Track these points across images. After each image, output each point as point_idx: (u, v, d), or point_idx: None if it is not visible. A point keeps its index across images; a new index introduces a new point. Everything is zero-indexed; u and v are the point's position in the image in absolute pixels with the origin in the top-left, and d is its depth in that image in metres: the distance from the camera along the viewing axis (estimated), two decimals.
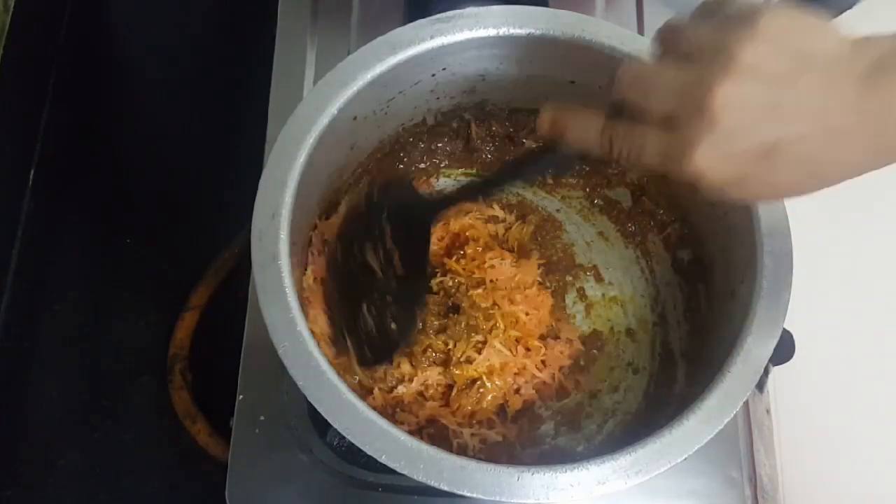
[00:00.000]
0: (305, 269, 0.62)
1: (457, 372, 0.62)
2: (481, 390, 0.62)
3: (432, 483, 0.49)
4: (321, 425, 0.64)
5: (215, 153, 0.89)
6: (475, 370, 0.62)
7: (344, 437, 0.50)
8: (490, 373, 0.62)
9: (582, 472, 0.50)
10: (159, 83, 0.95)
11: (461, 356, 0.62)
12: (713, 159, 0.38)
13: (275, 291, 0.52)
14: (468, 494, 0.49)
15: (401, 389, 0.61)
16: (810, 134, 0.38)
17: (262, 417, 0.64)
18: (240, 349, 0.66)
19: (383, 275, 0.59)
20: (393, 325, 0.59)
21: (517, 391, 0.63)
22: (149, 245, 0.86)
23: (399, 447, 0.49)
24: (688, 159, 0.39)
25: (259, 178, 0.55)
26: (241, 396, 0.65)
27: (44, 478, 0.78)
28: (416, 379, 0.62)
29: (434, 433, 0.61)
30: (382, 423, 0.50)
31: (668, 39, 0.42)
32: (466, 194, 0.62)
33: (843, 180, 0.40)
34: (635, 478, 0.50)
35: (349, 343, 0.59)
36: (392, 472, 0.49)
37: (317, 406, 0.50)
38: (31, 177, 0.87)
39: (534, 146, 0.61)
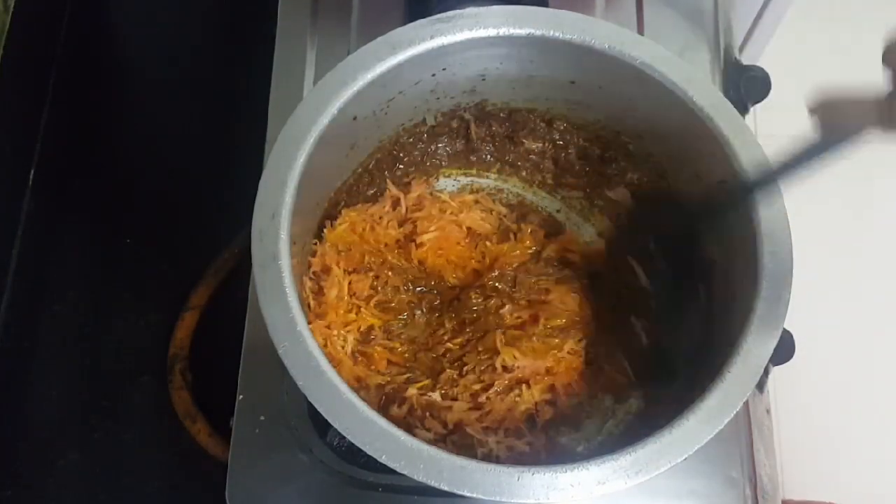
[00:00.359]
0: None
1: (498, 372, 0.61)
2: (517, 398, 0.61)
3: (432, 483, 0.49)
4: (321, 425, 0.64)
5: (215, 153, 0.89)
6: (519, 374, 0.61)
7: (344, 437, 0.50)
8: (528, 379, 0.62)
9: (582, 472, 0.50)
10: (159, 83, 0.95)
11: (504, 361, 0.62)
12: None
13: (275, 291, 0.52)
14: (468, 494, 0.49)
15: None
16: None
17: (262, 417, 0.64)
18: (240, 349, 0.66)
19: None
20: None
21: (548, 401, 0.62)
22: (149, 245, 0.86)
23: (399, 447, 0.49)
24: None
25: (259, 178, 0.55)
26: (241, 396, 0.65)
27: (44, 478, 0.78)
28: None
29: (458, 441, 0.60)
30: (382, 422, 0.50)
31: None
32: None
33: None
34: (635, 478, 0.50)
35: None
36: (392, 472, 0.49)
37: (317, 406, 0.50)
38: (31, 177, 0.87)
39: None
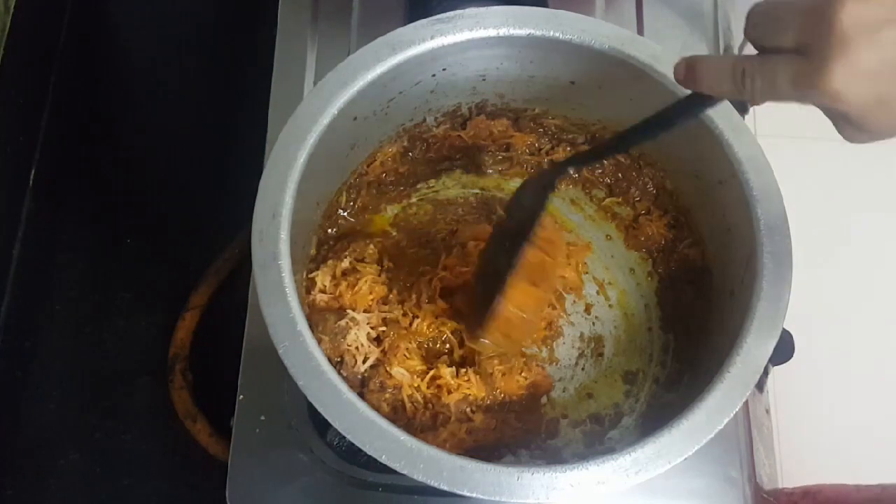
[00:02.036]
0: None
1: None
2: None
3: (432, 483, 0.49)
4: (321, 425, 0.64)
5: (215, 153, 0.89)
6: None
7: (344, 437, 0.50)
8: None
9: (582, 472, 0.50)
10: (159, 84, 0.95)
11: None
12: (848, 78, 0.39)
13: (275, 291, 0.52)
14: (468, 494, 0.49)
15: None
16: None
17: (262, 417, 0.64)
18: (240, 349, 0.66)
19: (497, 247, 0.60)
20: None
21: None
22: (149, 245, 0.86)
23: (399, 447, 0.49)
24: (824, 81, 0.39)
25: (259, 178, 0.55)
26: (241, 396, 0.65)
27: (44, 478, 0.77)
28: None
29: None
30: (382, 422, 0.50)
31: None
32: (594, 156, 0.61)
33: None
34: (635, 478, 0.50)
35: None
36: (392, 472, 0.49)
37: (317, 406, 0.50)
38: (31, 177, 0.87)
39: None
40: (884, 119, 0.41)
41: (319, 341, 0.56)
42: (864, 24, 0.38)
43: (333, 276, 0.64)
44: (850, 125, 0.41)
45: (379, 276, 0.65)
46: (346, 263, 0.64)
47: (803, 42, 0.40)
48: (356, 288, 0.63)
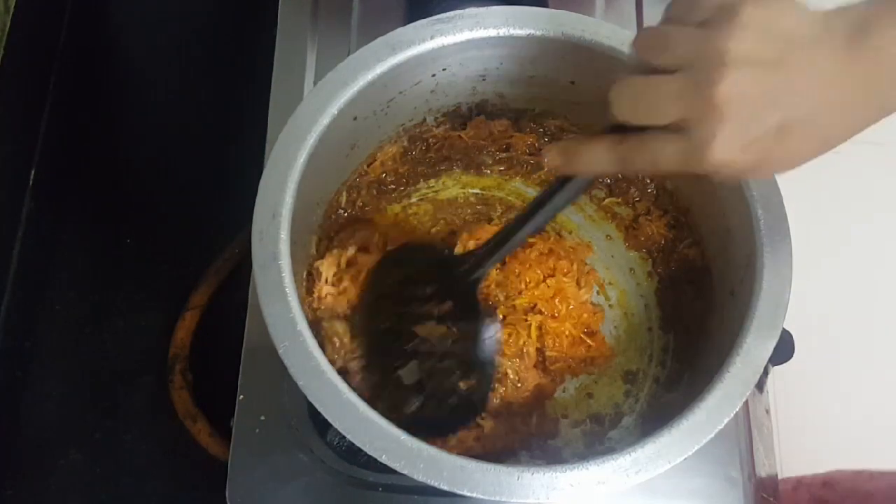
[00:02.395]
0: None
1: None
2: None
3: (432, 483, 0.49)
4: (321, 425, 0.64)
5: (215, 153, 0.89)
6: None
7: (344, 437, 0.50)
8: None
9: (582, 472, 0.50)
10: (159, 83, 0.95)
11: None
12: (731, 150, 0.40)
13: (275, 291, 0.52)
14: (468, 494, 0.49)
15: None
16: (811, 108, 0.40)
17: (262, 417, 0.64)
18: (240, 349, 0.66)
19: (436, 335, 0.59)
20: (462, 386, 0.59)
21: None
22: (149, 245, 0.86)
23: (399, 447, 0.49)
24: (708, 155, 0.41)
25: (259, 178, 0.55)
26: (241, 396, 0.65)
27: (44, 478, 0.77)
28: None
29: None
30: (382, 422, 0.50)
31: (651, 47, 0.43)
32: (495, 250, 0.58)
33: (851, 137, 0.43)
34: (635, 478, 0.50)
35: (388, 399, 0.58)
36: (392, 472, 0.49)
37: (317, 406, 0.50)
38: (31, 177, 0.87)
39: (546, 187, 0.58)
40: (761, 174, 0.44)
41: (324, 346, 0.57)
42: (739, 98, 0.39)
43: (338, 267, 0.64)
44: (733, 178, 0.45)
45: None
46: (350, 251, 0.64)
47: (682, 119, 0.41)
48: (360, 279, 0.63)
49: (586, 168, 0.47)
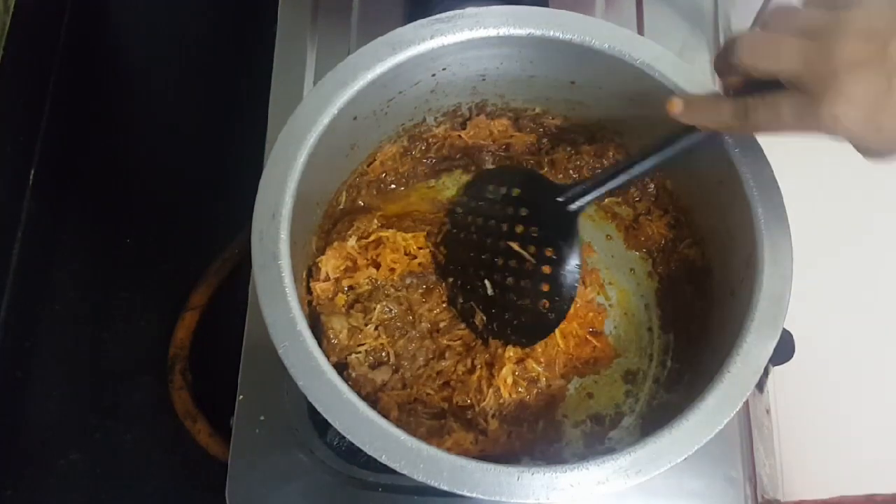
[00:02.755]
0: None
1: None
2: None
3: (432, 483, 0.49)
4: (321, 425, 0.64)
5: (215, 154, 0.89)
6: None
7: (344, 437, 0.50)
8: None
9: (582, 472, 0.50)
10: (159, 84, 0.95)
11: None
12: (848, 111, 0.43)
13: (275, 291, 0.52)
14: (468, 494, 0.49)
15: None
16: None
17: (262, 417, 0.64)
18: (240, 349, 0.66)
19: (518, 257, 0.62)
20: (545, 305, 0.61)
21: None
22: (149, 245, 0.86)
23: (399, 447, 0.49)
24: (826, 114, 0.43)
25: (259, 178, 0.55)
26: (241, 396, 0.65)
27: (44, 478, 0.78)
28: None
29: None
30: (382, 422, 0.50)
31: (780, 17, 0.47)
32: (601, 185, 0.61)
33: None
34: (635, 478, 0.50)
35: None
36: (392, 472, 0.49)
37: (317, 406, 0.50)
38: (31, 177, 0.87)
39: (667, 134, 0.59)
40: (879, 141, 0.44)
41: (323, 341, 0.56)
42: (856, 62, 0.42)
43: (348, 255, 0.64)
44: (851, 142, 0.45)
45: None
46: (352, 242, 0.64)
47: (802, 77, 0.44)
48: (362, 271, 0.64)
49: (706, 120, 0.51)
